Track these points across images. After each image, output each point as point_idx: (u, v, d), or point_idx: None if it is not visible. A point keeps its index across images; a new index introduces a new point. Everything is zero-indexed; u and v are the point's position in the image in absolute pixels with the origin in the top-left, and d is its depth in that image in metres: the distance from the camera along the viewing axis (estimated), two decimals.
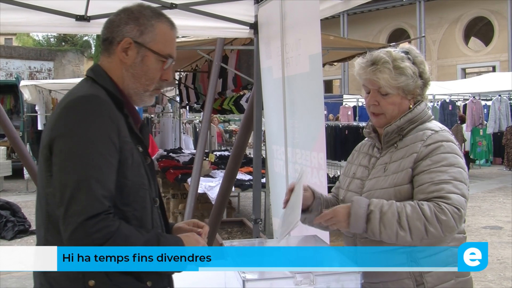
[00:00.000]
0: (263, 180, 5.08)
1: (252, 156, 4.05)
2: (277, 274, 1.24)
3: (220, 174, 5.15)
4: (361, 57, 1.37)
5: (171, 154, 7.00)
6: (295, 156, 2.34)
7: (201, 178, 3.98)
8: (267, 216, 5.94)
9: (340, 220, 1.24)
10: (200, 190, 4.38)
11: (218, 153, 6.95)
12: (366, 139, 1.55)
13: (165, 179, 5.95)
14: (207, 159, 5.37)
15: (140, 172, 1.06)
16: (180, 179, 5.13)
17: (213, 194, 4.49)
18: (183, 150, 7.73)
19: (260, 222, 2.89)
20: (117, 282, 1.01)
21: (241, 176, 5.36)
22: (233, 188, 4.46)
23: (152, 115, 9.52)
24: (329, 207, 1.45)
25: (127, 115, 1.09)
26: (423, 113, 1.38)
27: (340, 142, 8.12)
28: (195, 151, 4.81)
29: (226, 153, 7.13)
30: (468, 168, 9.59)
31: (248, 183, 5.08)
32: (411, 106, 1.38)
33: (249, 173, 5.49)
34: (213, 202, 4.02)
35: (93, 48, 19.60)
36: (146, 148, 1.13)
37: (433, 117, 1.40)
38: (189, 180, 4.67)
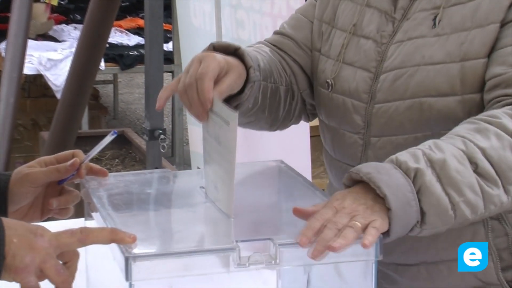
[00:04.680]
0: (168, 48, 4.98)
1: None
2: (197, 243, 1.26)
3: (73, 34, 5.11)
4: None
5: None
6: None
7: (32, 42, 3.83)
8: (177, 124, 6.02)
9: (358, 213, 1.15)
10: (29, 70, 4.26)
11: None
12: None
13: None
14: None
15: None
16: None
17: (57, 79, 4.49)
18: None
19: (162, 137, 2.90)
20: None
21: (119, 37, 5.27)
22: (103, 63, 4.38)
23: None
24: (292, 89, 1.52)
25: None
26: None
27: None
28: None
29: None
30: None
31: (135, 52, 5.03)
32: None
33: (137, 30, 5.45)
34: (57, 96, 3.97)
35: None
36: None
37: None
38: (1, 46, 4.50)
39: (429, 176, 1.18)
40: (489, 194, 1.21)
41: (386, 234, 1.17)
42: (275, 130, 1.63)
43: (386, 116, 1.40)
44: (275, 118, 1.56)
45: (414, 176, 1.18)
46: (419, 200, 1.18)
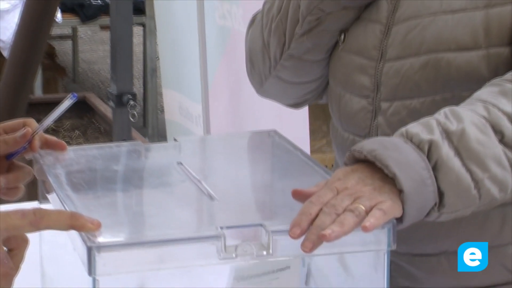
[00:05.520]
0: None
1: None
2: (175, 231, 1.26)
3: None
4: None
5: None
6: None
7: None
8: (149, 88, 5.99)
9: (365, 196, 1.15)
10: None
11: None
12: None
13: None
14: None
15: None
16: None
17: (4, 34, 4.56)
18: None
19: (132, 104, 2.90)
20: None
21: None
22: (59, 15, 4.37)
23: None
24: None
25: None
26: None
27: None
28: None
29: None
30: None
31: (99, 1, 5.02)
32: None
33: None
34: (4, 54, 3.98)
35: None
36: None
37: None
38: None
39: (446, 149, 1.19)
40: None
41: (399, 220, 1.17)
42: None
43: (398, 76, 1.42)
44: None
45: (428, 150, 1.19)
46: (436, 178, 1.18)
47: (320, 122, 4.31)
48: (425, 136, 1.19)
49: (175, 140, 1.50)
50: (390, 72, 1.43)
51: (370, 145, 1.19)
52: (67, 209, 1.23)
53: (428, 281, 1.48)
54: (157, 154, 1.56)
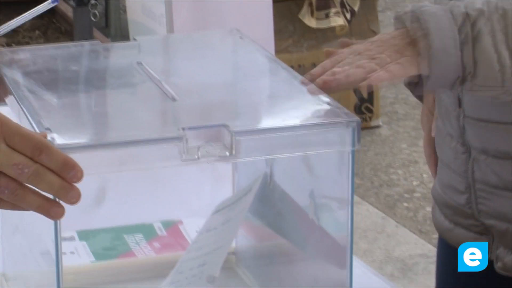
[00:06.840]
0: None
1: None
2: (136, 132, 1.25)
3: None
4: None
5: None
6: None
7: None
8: None
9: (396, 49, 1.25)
10: None
11: None
12: None
13: None
14: None
15: None
16: None
17: None
18: None
19: (93, 3, 2.87)
20: None
21: None
22: None
23: None
24: None
25: None
26: None
27: None
28: None
29: None
30: None
31: None
32: None
33: None
34: None
35: None
36: None
37: None
38: None
39: (482, 26, 1.26)
40: None
41: (424, 79, 1.27)
42: None
43: None
44: None
45: (464, 22, 1.26)
46: (464, 50, 1.26)
47: (286, 21, 4.27)
48: (465, 9, 1.26)
49: (134, 39, 1.49)
50: None
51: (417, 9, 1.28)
52: (26, 111, 1.22)
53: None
54: (116, 54, 1.54)
